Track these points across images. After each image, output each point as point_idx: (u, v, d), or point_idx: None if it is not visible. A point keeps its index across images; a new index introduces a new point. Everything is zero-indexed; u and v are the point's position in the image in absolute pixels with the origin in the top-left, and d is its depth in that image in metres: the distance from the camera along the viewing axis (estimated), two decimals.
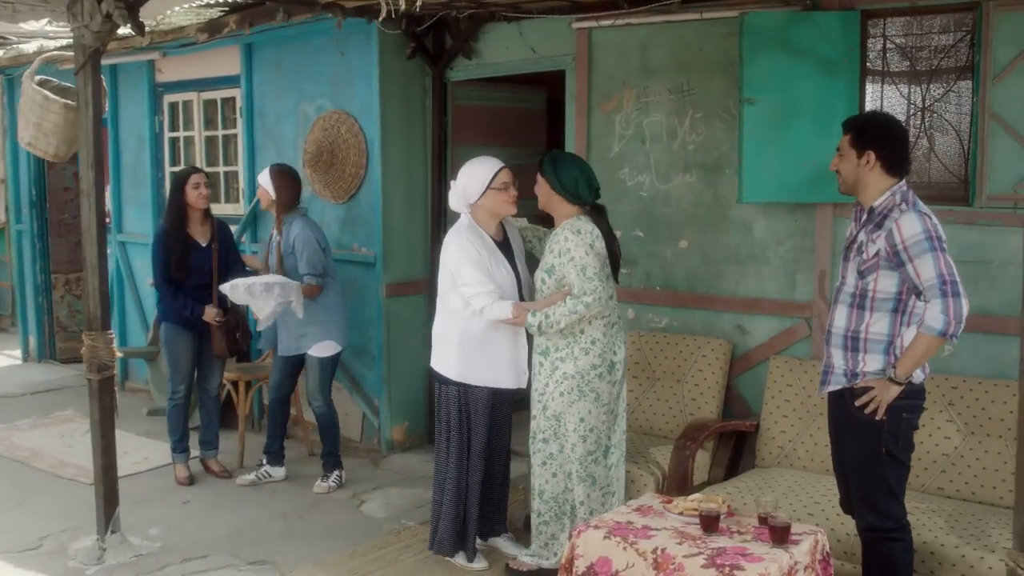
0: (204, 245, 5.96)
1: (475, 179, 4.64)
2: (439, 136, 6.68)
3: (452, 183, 4.75)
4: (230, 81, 7.32)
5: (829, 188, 4.97)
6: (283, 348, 5.95)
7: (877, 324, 3.67)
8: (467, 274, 4.56)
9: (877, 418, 3.64)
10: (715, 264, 5.59)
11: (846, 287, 3.79)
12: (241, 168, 7.31)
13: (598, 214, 4.58)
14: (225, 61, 7.28)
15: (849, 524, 4.16)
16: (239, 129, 7.31)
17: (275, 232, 5.93)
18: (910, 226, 3.54)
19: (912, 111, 5.02)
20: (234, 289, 5.53)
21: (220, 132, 7.56)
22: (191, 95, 7.67)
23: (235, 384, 6.60)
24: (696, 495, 3.96)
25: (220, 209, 7.61)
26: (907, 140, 3.87)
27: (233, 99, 7.38)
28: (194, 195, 5.86)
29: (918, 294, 3.58)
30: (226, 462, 6.38)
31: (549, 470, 4.57)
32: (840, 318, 3.79)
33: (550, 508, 4.60)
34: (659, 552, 3.59)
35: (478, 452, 4.70)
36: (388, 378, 6.61)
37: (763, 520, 3.75)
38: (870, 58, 5.06)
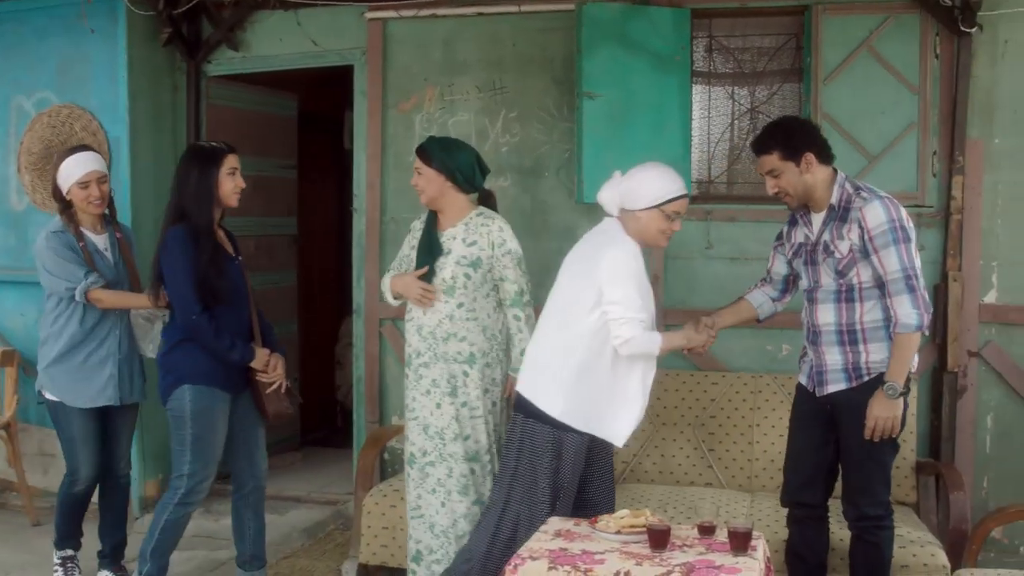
0: (233, 257, 4.15)
1: (649, 186, 3.56)
2: (195, 140, 5.78)
3: (616, 173, 3.67)
4: None
5: None
6: (126, 395, 4.46)
7: (871, 312, 3.53)
8: (623, 292, 3.51)
9: (895, 436, 3.54)
10: (535, 274, 5.15)
11: (823, 287, 3.61)
12: None
13: (491, 202, 4.14)
14: None
15: None
16: None
17: (90, 233, 4.38)
18: (875, 216, 3.45)
19: (738, 112, 5.02)
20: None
21: None
22: None
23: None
24: (621, 511, 3.54)
25: None
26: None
27: None
28: (230, 186, 3.97)
29: (880, 285, 3.49)
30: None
31: None
32: (827, 315, 3.60)
33: None
34: None
35: (545, 505, 3.63)
36: (140, 423, 5.52)
37: (705, 530, 3.43)
38: (697, 58, 5.00)
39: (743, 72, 5.01)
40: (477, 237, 3.94)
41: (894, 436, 3.55)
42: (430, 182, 3.96)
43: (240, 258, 4.17)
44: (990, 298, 4.68)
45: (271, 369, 4.09)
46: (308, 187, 7.09)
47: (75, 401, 4.34)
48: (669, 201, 3.55)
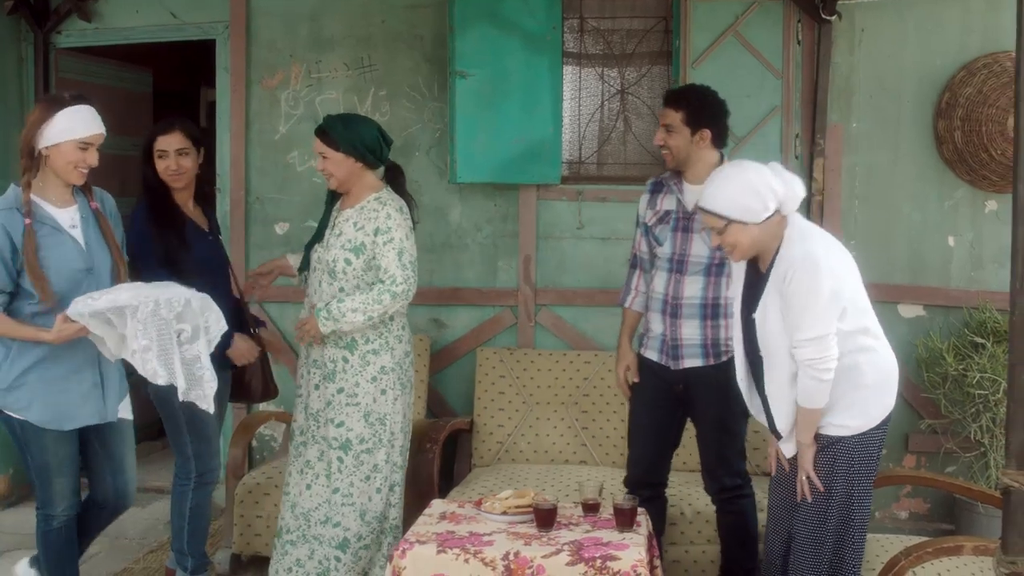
0: (207, 232, 3.97)
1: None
2: None
3: (777, 167, 3.15)
4: None
5: (537, 168, 4.93)
6: (104, 413, 3.58)
7: (733, 288, 3.57)
8: None
9: None
10: None
11: (693, 258, 3.63)
12: None
13: (399, 178, 3.90)
14: None
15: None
16: None
17: (50, 207, 3.38)
18: None
19: (608, 93, 5.07)
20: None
21: None
22: None
23: None
24: (505, 492, 3.54)
25: None
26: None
27: None
28: (163, 167, 3.86)
29: None
30: None
31: (373, 485, 3.81)
32: (694, 287, 3.64)
33: (372, 530, 3.83)
34: (511, 557, 3.13)
35: None
36: None
37: (589, 507, 3.47)
38: (568, 38, 5.02)
39: (613, 53, 5.05)
40: (366, 222, 3.73)
41: None
42: (338, 166, 3.71)
43: (218, 235, 4.06)
44: None
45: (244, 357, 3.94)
46: None
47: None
48: None
